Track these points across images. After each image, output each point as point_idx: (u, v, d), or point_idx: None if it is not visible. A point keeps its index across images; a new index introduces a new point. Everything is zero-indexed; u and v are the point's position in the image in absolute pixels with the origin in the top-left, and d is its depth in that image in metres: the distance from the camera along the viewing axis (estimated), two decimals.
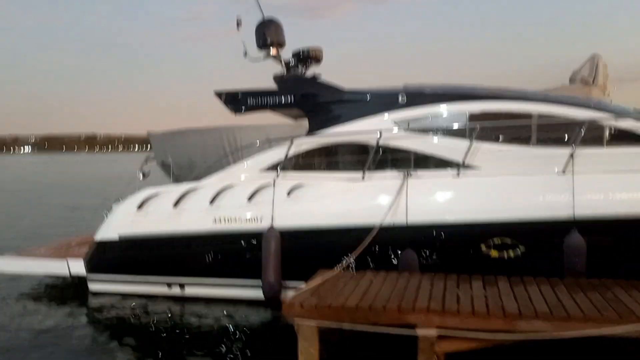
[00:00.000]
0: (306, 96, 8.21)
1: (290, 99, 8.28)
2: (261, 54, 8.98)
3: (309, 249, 7.45)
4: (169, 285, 8.35)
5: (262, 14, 8.84)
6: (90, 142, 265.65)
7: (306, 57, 9.02)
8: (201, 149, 8.84)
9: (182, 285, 8.31)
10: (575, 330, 4.72)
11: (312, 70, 8.98)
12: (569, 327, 4.74)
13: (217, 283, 8.08)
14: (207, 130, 9.09)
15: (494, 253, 6.95)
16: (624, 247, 6.54)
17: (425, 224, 7.11)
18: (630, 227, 6.48)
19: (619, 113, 6.98)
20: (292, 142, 7.91)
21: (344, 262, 6.77)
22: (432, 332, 5.01)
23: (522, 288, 5.70)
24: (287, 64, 8.93)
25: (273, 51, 8.94)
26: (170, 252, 8.21)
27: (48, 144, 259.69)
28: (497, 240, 6.93)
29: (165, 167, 9.38)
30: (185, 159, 9.03)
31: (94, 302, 8.36)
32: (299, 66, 9.02)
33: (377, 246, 7.13)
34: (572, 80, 13.36)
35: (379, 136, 7.49)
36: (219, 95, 8.63)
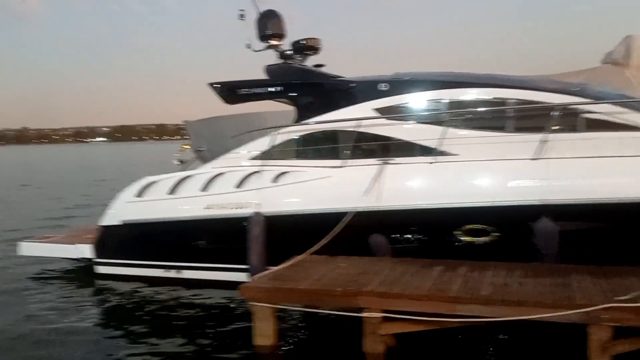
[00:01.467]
0: (293, 85, 8.42)
1: (279, 88, 8.50)
2: (263, 45, 9.23)
3: (293, 233, 7.68)
4: (167, 268, 8.77)
5: (257, 7, 9.07)
6: (160, 131, 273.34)
7: (303, 47, 9.23)
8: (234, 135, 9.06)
9: (178, 269, 8.72)
10: (511, 316, 4.81)
11: (310, 60, 9.20)
12: (505, 312, 4.83)
13: (210, 267, 8.43)
14: (240, 116, 9.39)
15: (467, 238, 7.01)
16: (595, 232, 6.47)
17: (401, 210, 7.21)
18: (602, 212, 6.41)
19: (598, 98, 6.86)
20: (277, 132, 8.14)
21: (315, 246, 6.97)
22: (377, 315, 5.19)
23: (478, 273, 5.78)
24: (283, 55, 9.14)
25: (273, 42, 9.19)
26: (167, 237, 8.62)
27: (122, 134, 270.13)
28: (470, 226, 6.97)
29: (200, 154, 9.73)
30: (220, 145, 9.30)
31: (99, 283, 8.89)
32: (298, 56, 9.25)
33: (354, 231, 7.28)
34: (604, 61, 13.10)
35: (358, 124, 7.62)
36: (213, 86, 8.94)
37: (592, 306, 4.61)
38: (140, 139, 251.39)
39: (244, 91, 8.74)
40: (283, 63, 8.87)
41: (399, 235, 7.26)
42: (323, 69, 9.37)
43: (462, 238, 7.02)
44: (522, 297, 4.88)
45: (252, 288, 5.58)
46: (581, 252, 6.40)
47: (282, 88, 8.49)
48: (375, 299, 5.20)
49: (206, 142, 9.52)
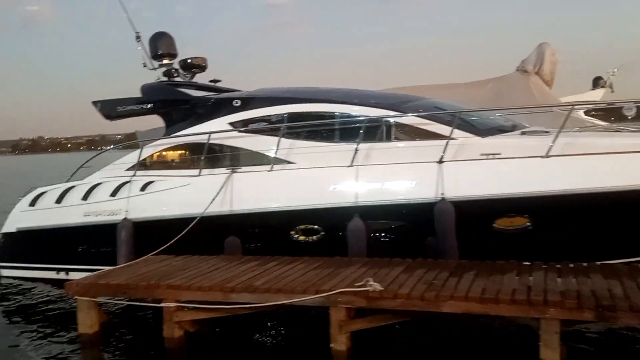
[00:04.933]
0: (160, 102, 9.32)
1: (150, 105, 9.40)
2: (156, 63, 10.13)
3: (157, 236, 8.52)
4: (58, 271, 9.63)
5: (134, 29, 9.98)
6: None
7: (189, 66, 10.17)
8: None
9: (67, 272, 9.57)
10: (270, 302, 5.69)
11: (204, 77, 10.17)
12: (266, 299, 5.71)
13: (91, 269, 9.25)
14: None
15: (301, 237, 7.87)
16: (399, 230, 7.35)
17: (246, 213, 8.07)
18: (405, 212, 7.27)
19: (404, 111, 7.76)
20: (142, 145, 9.02)
21: (160, 248, 7.84)
22: (172, 305, 6.06)
23: (280, 267, 6.66)
24: (167, 73, 10.05)
25: (165, 61, 10.10)
26: (55, 242, 9.48)
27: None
28: (303, 226, 7.83)
29: None
30: None
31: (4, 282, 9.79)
32: (185, 74, 10.19)
33: (207, 233, 8.13)
34: (519, 68, 14.07)
35: (212, 137, 8.50)
36: (95, 103, 9.84)
37: (331, 291, 5.48)
38: None
39: (121, 108, 9.63)
40: (157, 81, 9.77)
41: (247, 236, 8.11)
42: (219, 84, 10.41)
43: (297, 237, 7.87)
44: (282, 286, 5.75)
45: (73, 284, 6.46)
46: (386, 247, 7.28)
47: (152, 105, 9.39)
48: (170, 291, 6.07)
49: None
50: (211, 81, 10.65)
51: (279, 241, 7.91)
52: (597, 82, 24.28)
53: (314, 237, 7.80)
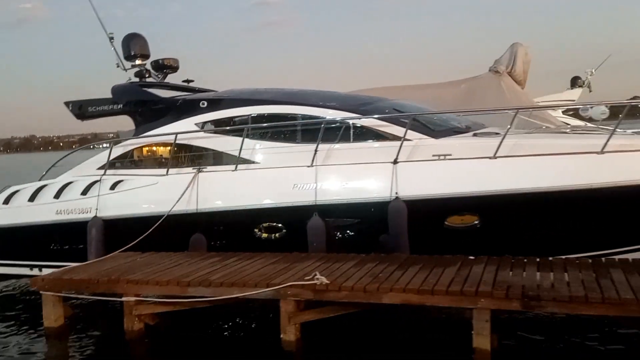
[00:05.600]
0: (130, 103, 9.58)
1: (119, 106, 9.65)
2: (129, 64, 10.38)
3: (126, 234, 8.78)
4: (31, 267, 9.86)
5: (105, 31, 10.22)
6: None
7: (161, 66, 10.43)
8: None
9: (40, 268, 9.80)
10: (224, 295, 5.99)
11: (176, 77, 10.43)
12: (220, 292, 6.01)
13: (63, 266, 9.50)
14: None
15: (264, 234, 8.16)
16: (356, 228, 7.67)
17: (211, 212, 8.35)
18: (361, 210, 7.58)
19: (363, 113, 8.07)
20: (111, 145, 9.28)
21: (128, 245, 8.12)
22: (131, 299, 6.34)
23: (239, 262, 6.96)
24: (139, 73, 10.30)
25: (138, 61, 10.34)
26: (29, 239, 9.70)
27: None
28: (266, 224, 8.12)
29: None
30: None
31: None
32: (157, 74, 10.44)
33: (174, 230, 8.40)
34: (492, 69, 14.39)
35: (175, 137, 8.76)
36: (67, 104, 10.08)
37: (281, 285, 5.79)
38: None
39: (92, 109, 9.87)
40: (127, 82, 10.01)
41: (212, 234, 8.38)
42: (193, 84, 10.68)
43: (260, 234, 8.16)
44: (235, 280, 6.05)
45: (39, 279, 6.73)
46: (344, 243, 7.60)
47: (122, 106, 9.64)
48: (130, 285, 6.35)
49: None
50: (184, 81, 10.93)
51: (243, 238, 8.19)
52: (575, 82, 24.80)
53: (277, 235, 8.08)
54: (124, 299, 6.38)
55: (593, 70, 24.35)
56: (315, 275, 5.76)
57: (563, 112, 21.92)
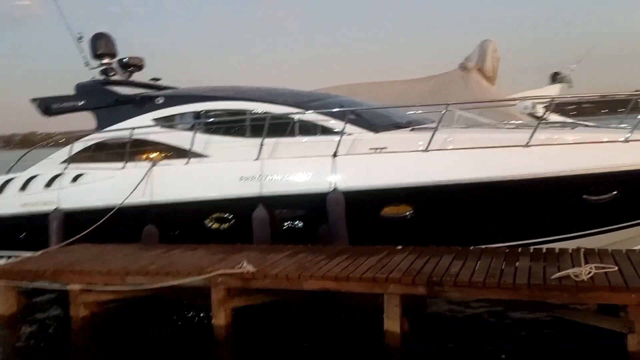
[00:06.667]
0: (92, 100, 9.93)
1: (82, 102, 10.00)
2: (96, 63, 10.72)
3: (85, 225, 9.15)
4: (2, 257, 10.24)
5: (71, 32, 10.54)
6: None
7: (126, 65, 10.77)
8: None
9: (7, 258, 10.18)
10: (162, 284, 6.37)
11: (143, 75, 10.77)
12: (155, 281, 6.39)
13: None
14: None
15: (214, 225, 8.53)
16: (298, 218, 8.05)
17: (162, 203, 8.71)
18: (303, 202, 7.95)
19: (308, 109, 8.42)
20: (74, 141, 9.65)
21: (77, 236, 8.51)
22: (76, 288, 6.73)
23: (179, 253, 7.33)
24: (104, 71, 10.63)
25: (105, 60, 10.68)
26: None
27: None
28: (216, 215, 8.49)
29: None
30: None
31: None
32: (123, 72, 10.79)
33: (127, 222, 8.76)
34: (461, 65, 14.71)
35: (131, 132, 9.12)
36: (33, 101, 10.43)
37: (212, 273, 6.17)
38: None
39: (56, 106, 10.22)
40: (91, 80, 10.34)
41: (164, 225, 8.75)
42: (160, 82, 10.96)
43: (210, 225, 8.53)
44: (171, 269, 6.43)
45: None
46: (287, 234, 7.98)
47: (84, 102, 9.99)
48: (75, 275, 6.74)
49: None
50: (151, 79, 11.24)
51: (194, 229, 8.55)
52: (555, 77, 25.07)
53: (226, 225, 8.46)
54: (69, 287, 6.75)
55: (574, 66, 24.62)
56: (243, 264, 6.12)
57: (546, 108, 22.14)
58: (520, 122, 9.84)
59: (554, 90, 24.25)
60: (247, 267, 6.08)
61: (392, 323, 5.63)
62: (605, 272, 5.24)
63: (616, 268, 5.34)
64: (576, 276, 5.13)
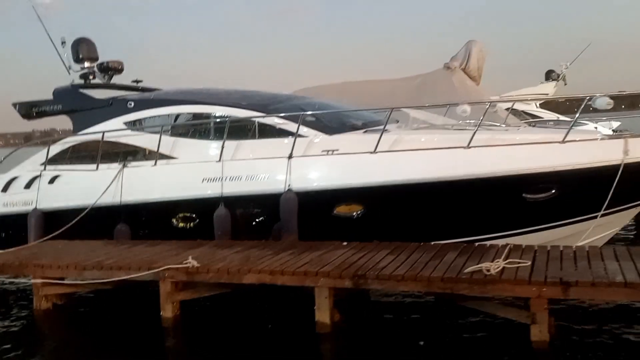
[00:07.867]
0: (68, 104, 10.40)
1: (59, 107, 10.48)
2: (78, 67, 11.20)
3: (63, 225, 9.62)
4: None
5: (51, 38, 11.02)
6: None
7: (106, 68, 11.23)
8: None
9: None
10: (114, 277, 6.79)
11: (124, 77, 11.24)
12: (109, 275, 6.82)
13: None
14: None
15: (181, 224, 8.95)
16: (255, 217, 8.45)
17: (133, 203, 9.15)
18: (259, 201, 8.35)
19: (269, 112, 8.81)
20: (49, 144, 10.12)
21: (53, 234, 8.96)
22: (38, 281, 7.18)
23: (149, 248, 7.75)
24: (84, 75, 11.10)
25: (87, 64, 11.16)
26: None
27: None
28: (181, 214, 8.92)
29: None
30: None
31: None
32: (104, 76, 11.26)
33: (101, 221, 9.20)
34: (446, 65, 14.98)
35: (102, 135, 9.57)
36: (14, 105, 10.93)
37: (159, 268, 6.58)
38: None
39: (35, 109, 10.71)
40: (69, 85, 10.80)
41: (134, 224, 9.19)
42: (142, 84, 11.38)
43: (177, 224, 8.95)
44: (123, 264, 6.85)
45: None
46: (245, 231, 8.38)
47: (61, 106, 10.47)
48: (37, 269, 7.19)
49: None
50: (133, 81, 11.69)
51: (162, 228, 8.97)
52: (549, 75, 25.21)
53: (191, 224, 8.88)
54: (32, 281, 7.20)
55: (568, 64, 24.77)
56: (189, 259, 6.52)
57: (541, 106, 22.36)
58: (503, 122, 9.98)
59: (548, 87, 24.44)
60: (192, 262, 6.47)
61: (322, 314, 5.99)
62: (517, 267, 5.56)
63: (529, 263, 5.65)
64: (487, 270, 5.46)
